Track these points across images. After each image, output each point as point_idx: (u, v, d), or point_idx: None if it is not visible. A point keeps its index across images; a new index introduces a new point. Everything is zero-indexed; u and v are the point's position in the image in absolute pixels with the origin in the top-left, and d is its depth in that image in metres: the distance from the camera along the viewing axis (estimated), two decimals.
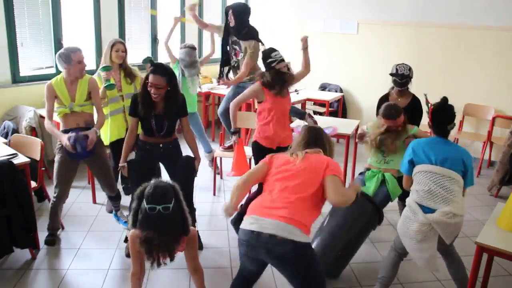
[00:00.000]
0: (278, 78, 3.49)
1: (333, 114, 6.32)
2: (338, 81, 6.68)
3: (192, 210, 3.35)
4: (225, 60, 4.75)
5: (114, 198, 3.75)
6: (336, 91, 6.60)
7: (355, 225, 3.10)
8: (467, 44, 5.62)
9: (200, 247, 3.41)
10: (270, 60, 3.50)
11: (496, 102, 5.52)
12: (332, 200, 2.29)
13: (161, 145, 3.27)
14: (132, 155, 3.36)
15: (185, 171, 3.25)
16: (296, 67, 3.72)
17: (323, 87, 6.74)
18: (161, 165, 3.56)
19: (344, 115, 6.62)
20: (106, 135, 3.90)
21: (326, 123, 4.44)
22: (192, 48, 4.72)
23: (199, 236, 3.36)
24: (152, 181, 2.34)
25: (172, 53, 4.86)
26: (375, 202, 3.21)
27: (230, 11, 4.49)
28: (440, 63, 5.85)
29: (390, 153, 3.44)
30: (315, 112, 6.40)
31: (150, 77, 3.05)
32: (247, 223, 2.24)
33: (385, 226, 3.86)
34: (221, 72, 4.78)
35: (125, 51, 3.91)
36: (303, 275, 2.23)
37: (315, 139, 2.54)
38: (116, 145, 3.90)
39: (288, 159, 2.43)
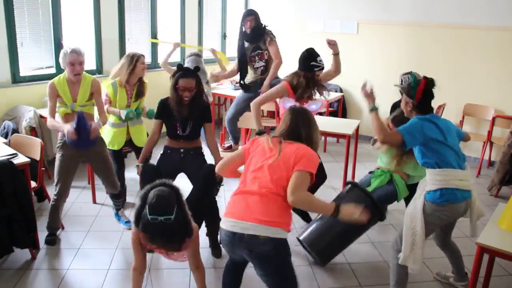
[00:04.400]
0: (311, 85, 3.46)
1: (333, 114, 6.32)
2: (338, 81, 6.64)
3: (216, 220, 3.29)
4: (244, 70, 4.64)
5: (116, 196, 3.74)
6: (336, 91, 6.60)
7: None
8: (467, 44, 5.62)
9: (219, 254, 3.38)
10: (314, 63, 3.44)
11: (496, 102, 5.52)
12: (288, 198, 2.20)
13: (181, 150, 3.30)
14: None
15: (205, 181, 3.15)
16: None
17: None
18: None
19: (344, 115, 6.63)
20: (108, 142, 3.89)
21: (326, 122, 4.46)
22: (198, 55, 4.85)
23: (218, 244, 3.38)
24: (155, 189, 2.32)
25: (171, 68, 4.98)
26: (373, 197, 3.18)
27: (252, 17, 4.39)
28: (440, 63, 5.85)
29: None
30: None
31: (182, 82, 3.11)
32: (227, 225, 2.25)
33: (385, 226, 3.86)
34: (244, 83, 4.64)
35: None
36: (279, 270, 2.26)
37: (298, 125, 2.43)
38: (117, 153, 3.95)
39: (265, 151, 2.36)
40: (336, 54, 3.67)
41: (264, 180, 2.27)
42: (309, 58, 3.49)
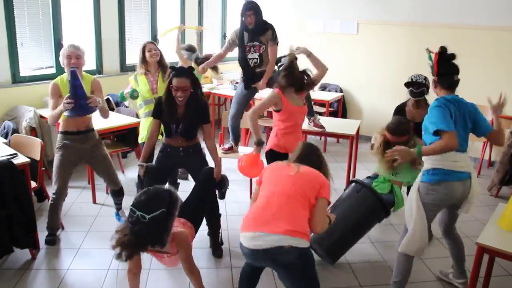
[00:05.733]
0: (293, 83, 3.41)
1: (333, 114, 6.32)
2: (338, 81, 6.68)
3: (217, 215, 3.34)
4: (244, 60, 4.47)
5: (117, 193, 3.73)
6: (336, 91, 6.60)
7: (357, 213, 3.15)
8: (467, 44, 5.62)
9: (220, 254, 3.36)
10: (280, 64, 3.45)
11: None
12: (314, 229, 2.38)
13: (181, 149, 3.30)
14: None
15: (204, 183, 3.16)
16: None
17: (323, 87, 6.74)
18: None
19: (344, 115, 6.63)
20: (141, 134, 4.04)
21: (326, 123, 4.45)
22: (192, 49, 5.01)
23: (219, 244, 3.38)
24: (154, 186, 2.30)
25: (185, 57, 5.06)
26: (379, 195, 3.23)
27: (252, 11, 4.25)
28: None
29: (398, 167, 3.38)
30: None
31: (175, 81, 3.08)
32: (250, 241, 2.24)
33: (385, 226, 3.86)
34: (248, 81, 4.48)
35: (158, 49, 4.04)
36: (305, 278, 2.28)
37: (308, 155, 2.56)
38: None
39: (284, 169, 2.47)
40: (308, 55, 3.67)
41: (285, 189, 2.34)
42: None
